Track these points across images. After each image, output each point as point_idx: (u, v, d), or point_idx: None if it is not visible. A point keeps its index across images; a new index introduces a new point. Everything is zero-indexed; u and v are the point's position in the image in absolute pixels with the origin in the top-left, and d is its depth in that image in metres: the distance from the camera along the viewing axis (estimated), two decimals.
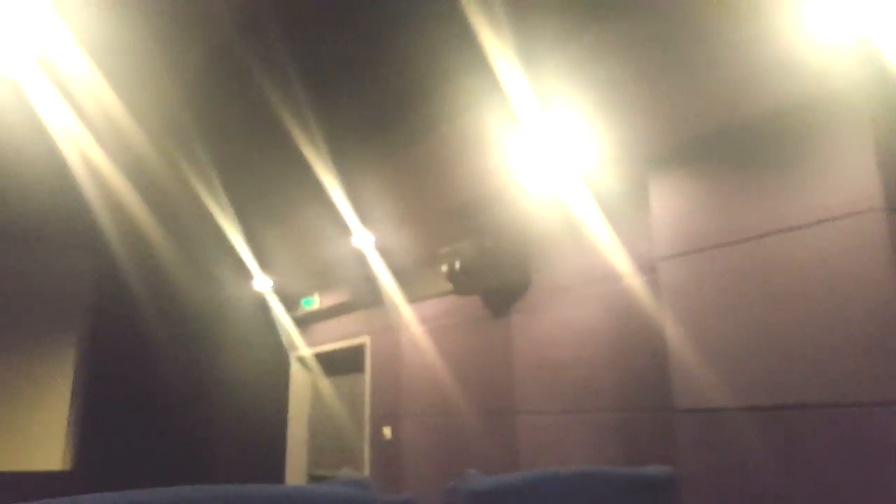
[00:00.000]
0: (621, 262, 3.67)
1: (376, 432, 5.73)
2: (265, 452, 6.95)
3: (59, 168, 3.81)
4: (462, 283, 4.44)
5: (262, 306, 7.01)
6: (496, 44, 2.50)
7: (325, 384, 7.05)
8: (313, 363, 7.15)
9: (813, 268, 2.64)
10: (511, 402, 4.31)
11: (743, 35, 2.35)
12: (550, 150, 3.32)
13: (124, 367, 6.32)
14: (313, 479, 6.91)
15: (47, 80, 3.01)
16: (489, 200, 4.02)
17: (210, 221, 4.62)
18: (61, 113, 3.27)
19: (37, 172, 3.95)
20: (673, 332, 3.09)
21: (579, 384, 3.82)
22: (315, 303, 6.57)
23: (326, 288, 6.44)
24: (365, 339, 6.12)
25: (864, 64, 2.43)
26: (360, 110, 3.19)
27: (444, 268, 4.41)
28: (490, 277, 4.37)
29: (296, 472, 6.98)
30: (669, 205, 3.23)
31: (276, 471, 6.93)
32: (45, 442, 5.94)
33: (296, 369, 7.32)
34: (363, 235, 4.79)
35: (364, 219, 4.50)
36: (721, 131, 3.02)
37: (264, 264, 5.97)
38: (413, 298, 5.42)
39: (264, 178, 4.10)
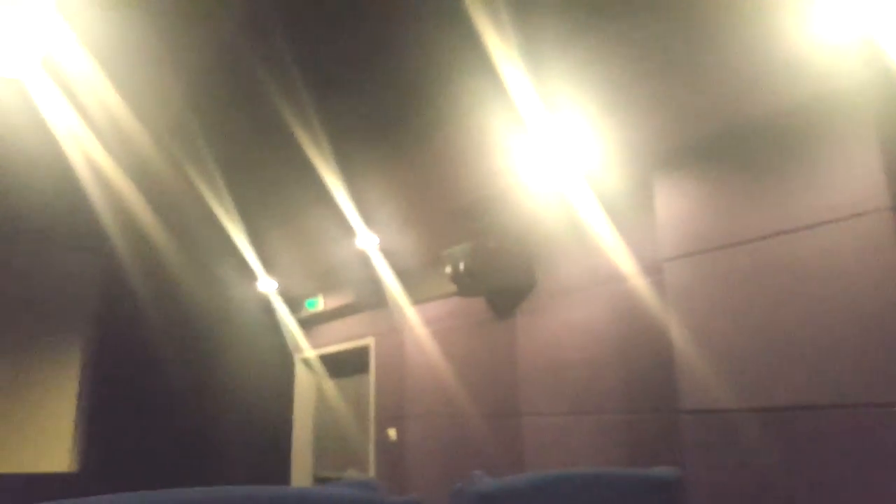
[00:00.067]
0: (626, 264, 3.66)
1: (381, 434, 5.73)
2: (270, 454, 6.96)
3: (64, 170, 3.81)
4: (466, 284, 4.43)
5: (267, 308, 7.02)
6: (500, 45, 2.49)
7: (330, 386, 7.05)
8: (318, 365, 7.16)
9: (819, 268, 2.63)
10: (516, 403, 4.30)
11: (747, 35, 2.35)
12: (555, 151, 3.31)
13: (130, 368, 6.33)
14: (318, 480, 6.91)
15: (51, 82, 3.02)
16: (493, 201, 4.01)
17: (214, 223, 4.63)
18: (65, 114, 3.27)
19: (41, 174, 3.96)
20: (678, 333, 3.09)
21: (584, 385, 3.81)
22: (319, 304, 6.58)
23: (331, 289, 6.44)
24: (369, 341, 6.12)
25: (869, 64, 2.42)
26: (365, 111, 3.19)
27: (449, 269, 4.41)
28: (494, 279, 4.37)
29: (301, 473, 6.99)
30: (674, 206, 3.23)
31: (281, 472, 6.93)
32: (51, 444, 5.96)
33: (300, 371, 7.33)
34: (367, 237, 4.79)
35: (368, 220, 4.50)
36: (726, 132, 3.02)
37: (268, 266, 5.97)
38: (417, 300, 5.42)
39: (269, 180, 4.10)
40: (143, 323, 6.20)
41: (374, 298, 5.86)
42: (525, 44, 2.49)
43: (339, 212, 4.28)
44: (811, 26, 2.27)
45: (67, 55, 2.81)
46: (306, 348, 7.17)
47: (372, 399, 5.95)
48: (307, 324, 7.10)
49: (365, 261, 5.24)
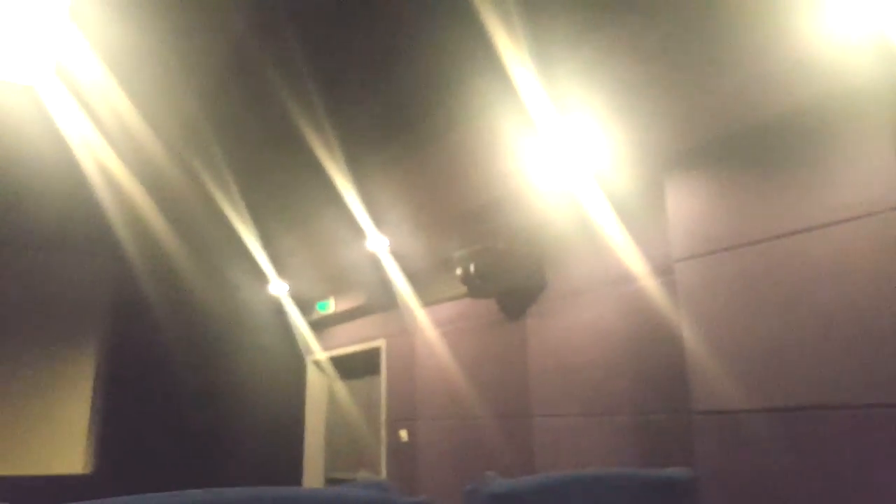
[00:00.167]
0: (637, 264, 3.65)
1: (392, 435, 5.74)
2: (282, 455, 6.98)
3: (77, 176, 3.85)
4: (477, 286, 4.44)
5: (278, 310, 7.05)
6: (511, 46, 2.50)
7: (341, 387, 7.07)
8: (329, 367, 7.18)
9: (831, 268, 2.62)
10: (527, 404, 4.30)
11: (759, 34, 2.34)
12: (565, 153, 3.31)
13: (143, 371, 6.38)
14: (330, 481, 6.92)
15: (64, 89, 3.05)
16: (504, 203, 4.01)
17: (226, 226, 4.65)
18: (78, 121, 3.30)
19: (55, 180, 4.00)
20: (690, 334, 3.08)
21: (595, 386, 3.80)
22: (330, 306, 6.59)
23: (342, 292, 6.46)
24: (380, 343, 6.13)
25: (882, 61, 2.41)
26: (375, 115, 3.20)
27: (459, 271, 4.41)
28: (505, 280, 4.37)
29: (313, 474, 7.01)
30: (685, 206, 3.22)
31: (293, 474, 6.96)
32: (65, 446, 6.00)
33: (312, 373, 7.35)
34: (378, 239, 4.80)
35: (379, 222, 4.51)
36: (737, 131, 3.01)
37: (280, 269, 6.00)
38: (428, 302, 5.43)
39: (280, 183, 4.12)
40: (155, 326, 6.25)
41: (385, 300, 5.87)
42: (535, 45, 2.50)
43: (349, 214, 4.29)
44: (823, 24, 2.26)
45: (80, 62, 2.83)
46: (317, 350, 7.19)
47: (383, 400, 5.96)
48: (318, 326, 7.13)
49: (376, 263, 5.25)
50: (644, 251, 3.64)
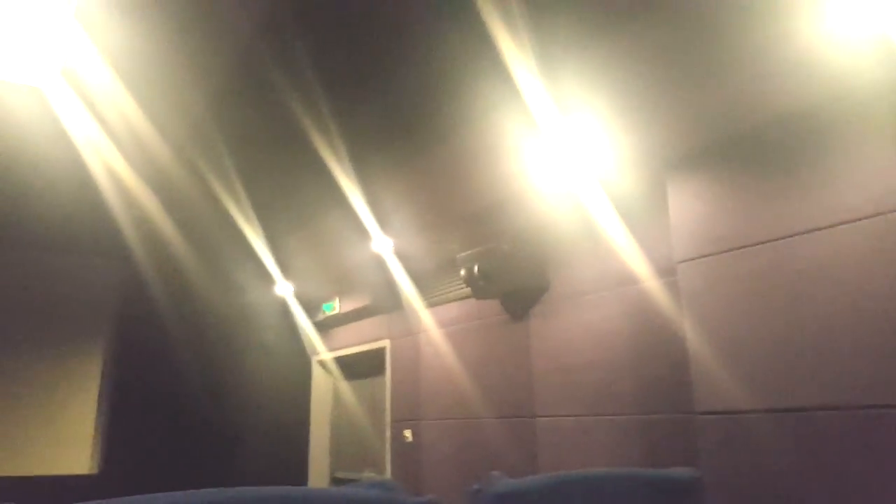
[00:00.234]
0: (640, 266, 3.66)
1: (397, 435, 5.75)
2: (288, 455, 7.01)
3: (84, 177, 3.87)
4: (480, 287, 4.45)
5: (284, 311, 7.07)
6: (514, 48, 2.51)
7: (346, 387, 7.09)
8: (334, 367, 7.20)
9: (835, 269, 2.62)
10: (530, 405, 4.31)
11: (762, 36, 2.34)
12: (568, 154, 3.32)
13: (150, 372, 6.41)
14: (335, 481, 6.94)
15: (71, 91, 3.06)
16: (507, 205, 4.02)
17: (232, 228, 4.67)
18: (85, 123, 3.32)
19: (62, 182, 4.02)
20: (693, 335, 3.08)
21: (599, 387, 3.81)
22: (336, 307, 6.61)
23: (347, 293, 6.48)
24: (385, 343, 6.14)
25: (884, 62, 2.41)
26: (380, 117, 3.22)
27: (463, 272, 4.42)
28: (508, 281, 4.38)
29: (318, 474, 7.03)
30: (688, 207, 3.22)
31: (299, 473, 6.98)
32: (72, 446, 6.03)
33: (317, 373, 7.37)
34: (382, 240, 4.82)
35: (383, 224, 4.53)
36: (740, 133, 3.01)
37: (286, 270, 6.02)
38: (432, 303, 5.44)
39: (286, 185, 4.14)
40: (162, 327, 6.27)
41: (390, 301, 5.89)
42: (539, 48, 2.51)
43: (355, 216, 4.31)
44: (825, 25, 2.26)
45: (86, 64, 2.85)
46: (323, 351, 7.21)
47: (388, 400, 5.98)
48: (324, 327, 7.14)
49: (380, 264, 5.27)
50: (647, 252, 3.65)
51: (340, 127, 3.25)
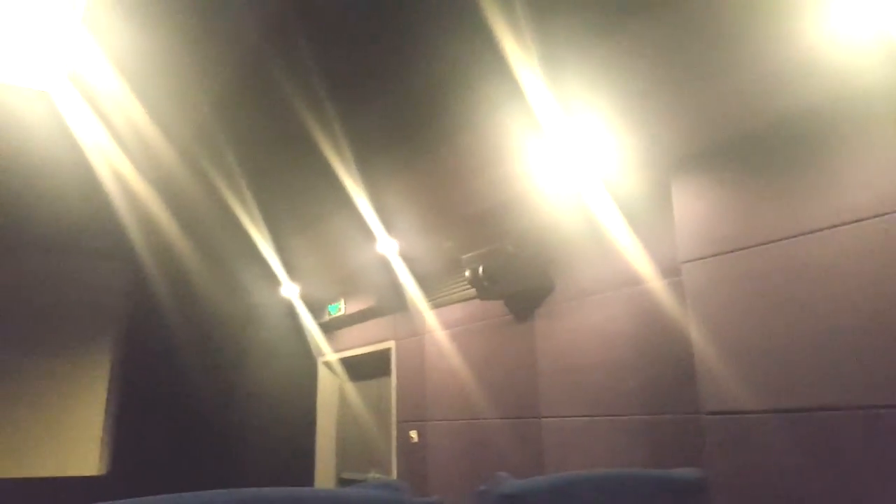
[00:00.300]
0: (644, 266, 3.66)
1: (403, 436, 5.76)
2: (294, 456, 7.02)
3: (91, 181, 3.90)
4: (485, 288, 4.46)
5: (290, 313, 7.09)
6: (518, 50, 2.52)
7: (352, 388, 7.10)
8: (340, 368, 7.21)
9: (840, 269, 2.62)
10: (536, 405, 4.31)
11: (765, 36, 2.35)
12: (572, 155, 3.33)
13: (157, 374, 6.44)
14: (342, 481, 6.95)
15: (77, 94, 3.09)
16: (512, 206, 4.03)
17: (238, 230, 4.69)
18: (92, 126, 3.35)
19: (69, 185, 4.05)
20: (698, 335, 3.09)
21: (604, 387, 3.81)
22: (341, 308, 6.63)
23: (352, 294, 6.49)
24: (390, 344, 6.15)
25: (888, 62, 2.41)
26: (385, 118, 3.23)
27: (468, 273, 4.43)
28: (513, 282, 4.38)
29: (325, 475, 7.04)
30: (693, 208, 3.23)
31: (305, 474, 6.99)
32: (80, 448, 6.06)
33: (323, 374, 7.38)
34: (388, 242, 4.83)
35: (388, 225, 4.54)
36: (744, 133, 3.01)
37: (291, 271, 6.04)
38: (437, 304, 5.45)
39: (291, 187, 4.15)
40: (169, 329, 6.30)
41: (395, 302, 5.90)
42: (543, 49, 2.51)
43: (360, 217, 4.32)
44: (829, 26, 2.26)
45: (93, 68, 2.87)
46: (328, 352, 7.22)
47: (393, 401, 5.99)
48: (329, 328, 7.16)
49: (385, 265, 5.28)
50: (651, 253, 3.65)
51: (345, 129, 3.26)
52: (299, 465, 7.02)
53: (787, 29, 2.30)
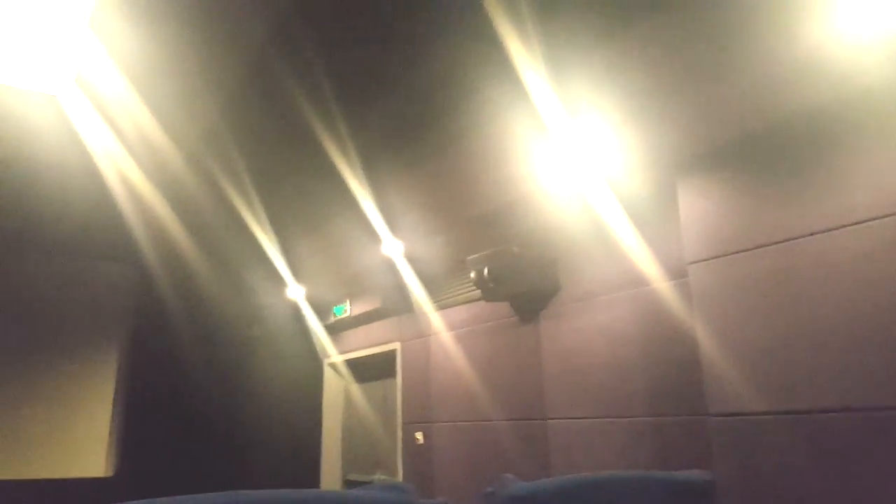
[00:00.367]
0: (650, 267, 3.66)
1: (408, 437, 5.76)
2: (300, 457, 7.03)
3: (98, 183, 3.92)
4: (490, 289, 4.46)
5: (296, 314, 7.10)
6: (523, 51, 2.52)
7: (358, 390, 7.11)
8: (345, 369, 7.22)
9: (846, 270, 2.61)
10: (541, 407, 4.31)
11: (770, 37, 2.35)
12: (577, 156, 3.33)
13: (164, 375, 6.46)
14: (348, 483, 6.96)
15: (85, 98, 3.10)
16: (517, 207, 4.03)
17: (244, 232, 4.71)
18: (99, 129, 3.36)
19: (77, 187, 4.07)
20: (704, 336, 3.08)
21: (610, 389, 3.81)
22: (346, 310, 6.63)
23: (357, 295, 6.50)
24: (396, 346, 6.16)
25: (894, 61, 2.40)
26: (390, 120, 3.24)
27: (473, 274, 4.43)
28: (518, 283, 4.38)
29: (331, 476, 7.04)
30: (699, 208, 3.22)
31: (311, 476, 7.00)
32: (87, 449, 6.09)
33: (329, 375, 7.39)
34: (393, 243, 4.84)
35: (394, 227, 4.55)
36: (750, 134, 3.01)
37: (297, 273, 6.05)
38: (442, 305, 5.45)
39: (297, 189, 4.17)
40: (175, 331, 6.33)
41: (400, 304, 5.90)
42: (548, 51, 2.52)
43: (365, 219, 4.33)
44: (834, 25, 2.26)
45: (100, 72, 2.89)
46: (334, 353, 7.23)
47: (399, 403, 5.99)
48: (335, 329, 7.17)
49: (391, 267, 5.29)
50: (657, 254, 3.64)
51: (351, 131, 3.27)
52: (305, 466, 7.03)
53: (793, 29, 2.30)
